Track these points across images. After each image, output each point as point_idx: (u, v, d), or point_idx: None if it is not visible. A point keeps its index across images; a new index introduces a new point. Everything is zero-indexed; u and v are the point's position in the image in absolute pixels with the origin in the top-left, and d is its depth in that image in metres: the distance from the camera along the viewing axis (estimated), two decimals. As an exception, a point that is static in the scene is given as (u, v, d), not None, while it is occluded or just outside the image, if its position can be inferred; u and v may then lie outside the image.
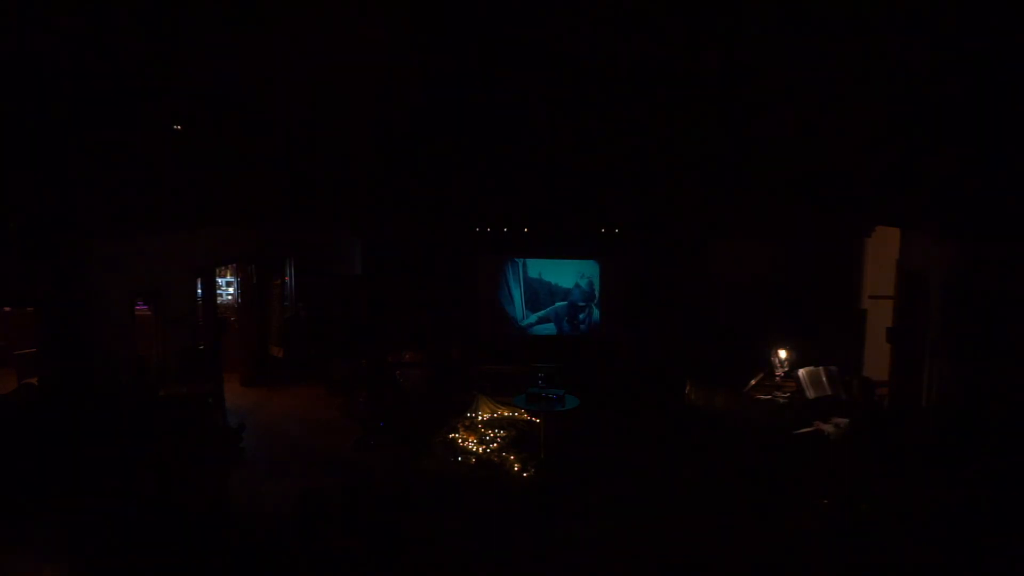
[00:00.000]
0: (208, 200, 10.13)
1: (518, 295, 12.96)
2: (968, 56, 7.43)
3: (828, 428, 8.83)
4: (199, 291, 11.05)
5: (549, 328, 12.88)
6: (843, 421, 8.85)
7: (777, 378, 10.42)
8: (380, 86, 12.08)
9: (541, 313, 12.91)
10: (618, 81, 11.83)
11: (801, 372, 10.09)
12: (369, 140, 12.53)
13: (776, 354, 10.55)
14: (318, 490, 7.94)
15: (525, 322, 12.92)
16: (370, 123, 12.62)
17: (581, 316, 12.88)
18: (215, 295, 11.96)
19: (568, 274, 12.85)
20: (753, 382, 10.39)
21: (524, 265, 12.91)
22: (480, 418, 10.35)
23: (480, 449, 9.37)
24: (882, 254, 10.52)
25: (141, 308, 10.27)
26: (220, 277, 13.17)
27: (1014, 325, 7.30)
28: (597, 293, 12.77)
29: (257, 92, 10.74)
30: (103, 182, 8.53)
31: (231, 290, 13.37)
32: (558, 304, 12.85)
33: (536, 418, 9.94)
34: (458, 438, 9.72)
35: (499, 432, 9.79)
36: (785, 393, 10.14)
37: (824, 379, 9.87)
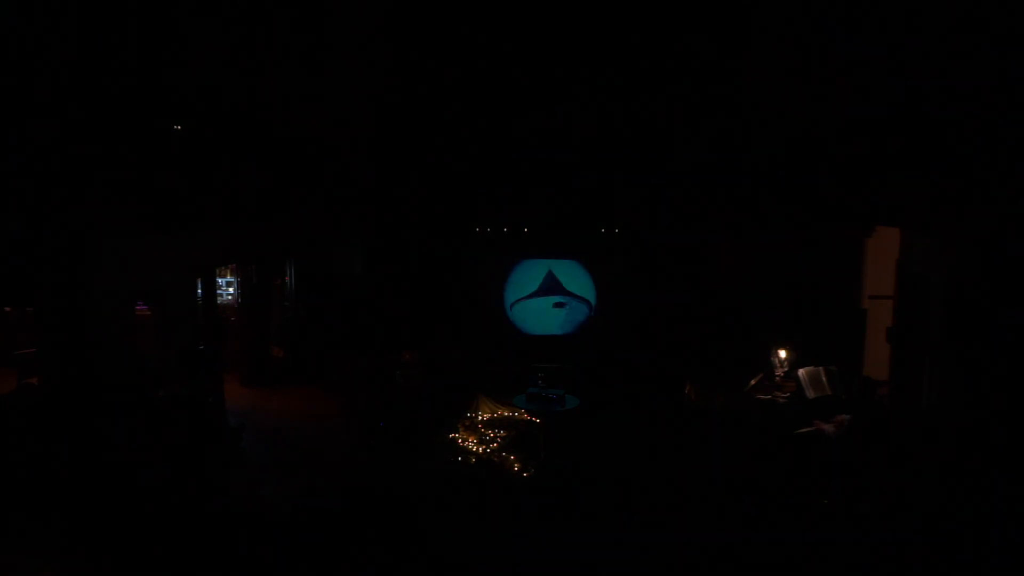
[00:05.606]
0: (208, 200, 10.14)
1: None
2: (970, 56, 7.42)
3: (828, 428, 8.82)
4: (199, 291, 11.05)
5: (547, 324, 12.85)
6: (843, 421, 8.85)
7: (777, 378, 10.41)
8: (380, 85, 12.07)
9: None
10: (618, 81, 11.83)
11: (801, 372, 10.09)
12: (370, 140, 12.56)
13: (776, 354, 10.55)
14: (318, 490, 7.96)
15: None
16: (370, 123, 12.63)
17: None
18: (215, 295, 11.95)
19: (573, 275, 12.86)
20: (753, 382, 10.39)
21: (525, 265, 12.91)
22: (480, 418, 10.35)
23: (480, 449, 9.37)
24: (882, 254, 10.51)
25: (141, 308, 10.26)
26: (220, 277, 13.17)
27: (1014, 325, 7.30)
28: (594, 294, 12.75)
29: (257, 93, 10.77)
30: (104, 182, 8.54)
31: (231, 290, 13.37)
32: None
33: (536, 418, 9.94)
34: (458, 438, 9.72)
35: (499, 432, 9.79)
36: (785, 393, 10.13)
37: (824, 379, 9.86)
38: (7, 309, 11.84)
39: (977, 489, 7.00)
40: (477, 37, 11.70)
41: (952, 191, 7.99)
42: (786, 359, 10.50)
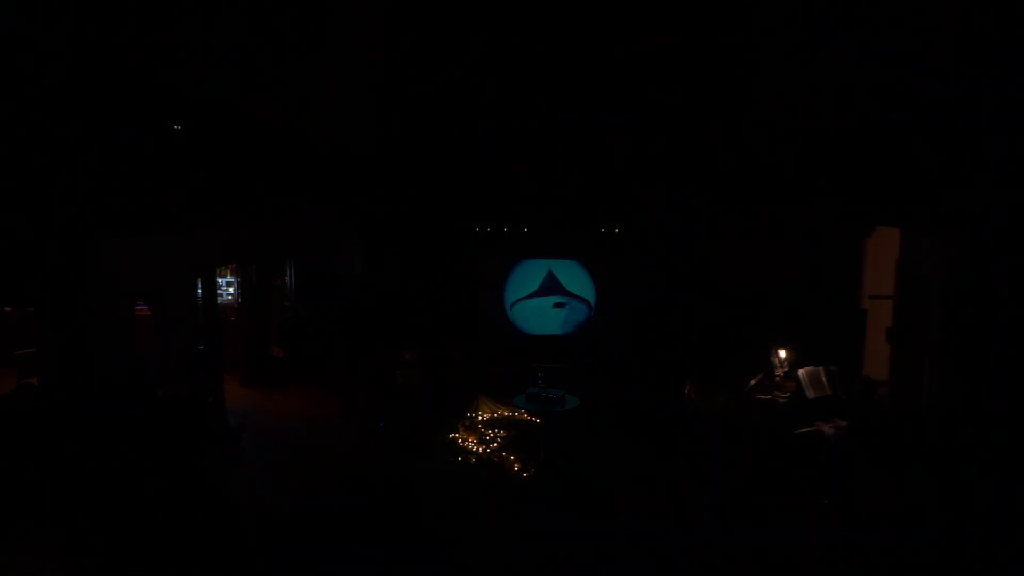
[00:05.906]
0: (208, 200, 10.14)
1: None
2: (968, 56, 7.43)
3: (828, 428, 8.82)
4: (199, 291, 11.04)
5: (547, 324, 12.82)
6: (840, 425, 8.85)
7: (777, 378, 10.40)
8: (381, 84, 12.06)
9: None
10: (617, 81, 11.84)
11: (801, 372, 10.09)
12: (370, 139, 12.57)
13: (776, 354, 10.54)
14: (318, 490, 7.95)
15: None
16: (371, 122, 12.64)
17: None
18: (215, 295, 11.95)
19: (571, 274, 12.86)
20: (753, 382, 10.39)
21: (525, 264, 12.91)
22: (480, 418, 10.35)
23: (480, 449, 9.37)
24: (882, 254, 10.51)
25: (141, 308, 10.26)
26: (220, 277, 13.16)
27: (1013, 325, 7.30)
28: (594, 294, 12.75)
29: (258, 92, 10.76)
30: (103, 182, 8.54)
31: (231, 290, 13.37)
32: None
33: (536, 418, 9.93)
34: (458, 438, 9.72)
35: (499, 432, 9.79)
36: (785, 393, 10.13)
37: (824, 379, 9.86)
38: (7, 309, 11.84)
39: (976, 489, 7.00)
40: (478, 36, 11.71)
41: (952, 192, 7.99)
42: (786, 359, 10.49)
